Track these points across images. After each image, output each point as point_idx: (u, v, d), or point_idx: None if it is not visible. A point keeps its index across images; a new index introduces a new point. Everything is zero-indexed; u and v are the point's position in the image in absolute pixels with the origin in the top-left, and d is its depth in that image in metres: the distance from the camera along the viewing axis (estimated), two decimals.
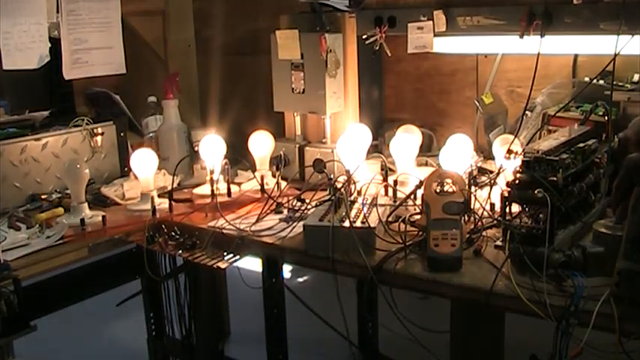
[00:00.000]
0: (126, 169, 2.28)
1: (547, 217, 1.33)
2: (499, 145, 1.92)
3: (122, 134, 2.33)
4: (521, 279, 1.31)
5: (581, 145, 1.52)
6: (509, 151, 1.56)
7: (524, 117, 2.08)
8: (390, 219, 1.69)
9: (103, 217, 1.88)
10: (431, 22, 2.04)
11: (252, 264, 2.19)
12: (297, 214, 1.79)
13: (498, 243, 1.54)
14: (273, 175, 2.06)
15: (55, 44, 2.11)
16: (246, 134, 2.11)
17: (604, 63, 1.67)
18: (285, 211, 1.84)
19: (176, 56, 2.91)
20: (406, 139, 1.93)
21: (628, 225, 1.23)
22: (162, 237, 1.86)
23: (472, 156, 1.96)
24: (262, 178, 2.03)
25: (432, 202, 1.54)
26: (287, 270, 3.53)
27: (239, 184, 2.10)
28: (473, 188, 1.73)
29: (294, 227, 1.74)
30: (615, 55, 1.61)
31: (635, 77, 2.01)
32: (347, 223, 1.56)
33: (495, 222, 1.64)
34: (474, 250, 1.52)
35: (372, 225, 1.57)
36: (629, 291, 1.19)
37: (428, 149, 2.37)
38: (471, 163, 1.84)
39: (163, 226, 1.89)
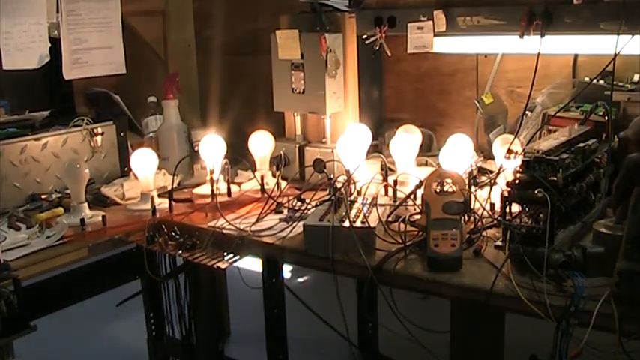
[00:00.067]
0: (126, 169, 2.28)
1: (547, 217, 1.33)
2: (499, 145, 1.92)
3: (122, 134, 2.33)
4: (521, 279, 1.31)
5: (581, 145, 1.52)
6: (509, 151, 1.56)
7: (524, 117, 2.08)
8: (390, 219, 1.69)
9: (103, 217, 1.88)
10: (431, 22, 2.04)
11: (252, 264, 2.19)
12: (297, 214, 1.79)
13: (498, 243, 1.54)
14: (273, 175, 2.06)
15: (55, 44, 2.11)
16: (246, 134, 2.11)
17: (604, 63, 1.67)
18: (285, 211, 1.84)
19: (176, 56, 2.91)
20: (406, 139, 1.93)
21: (628, 225, 1.23)
22: (162, 237, 1.86)
23: (472, 156, 1.96)
24: (262, 178, 2.03)
25: (432, 202, 1.54)
26: (287, 270, 3.53)
27: (239, 184, 2.10)
28: (473, 188, 1.73)
29: (294, 227, 1.74)
30: (615, 55, 1.61)
31: (635, 77, 2.01)
32: (347, 223, 1.56)
33: (495, 222, 1.64)
34: (474, 250, 1.52)
35: (372, 225, 1.57)
36: (629, 291, 1.19)
37: (428, 149, 2.37)
38: (471, 163, 1.84)
39: (163, 226, 1.89)
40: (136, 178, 2.05)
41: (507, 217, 1.46)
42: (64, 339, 3.09)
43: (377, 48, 2.13)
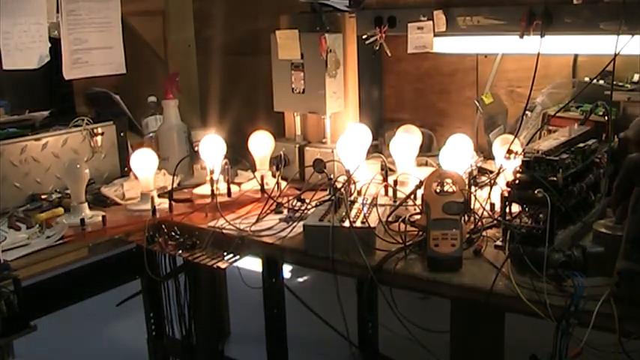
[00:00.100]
0: (126, 169, 2.28)
1: (547, 217, 1.33)
2: (499, 145, 1.92)
3: (122, 134, 2.33)
4: (521, 279, 1.31)
5: (581, 145, 1.52)
6: (510, 151, 1.56)
7: (524, 117, 2.08)
8: (390, 219, 1.69)
9: (103, 217, 1.88)
10: (431, 22, 2.04)
11: (252, 264, 2.19)
12: (297, 214, 1.79)
13: (498, 243, 1.54)
14: (273, 175, 2.06)
15: (55, 44, 2.11)
16: (246, 134, 2.11)
17: (604, 63, 1.67)
18: (285, 211, 1.84)
19: (176, 56, 2.91)
20: (406, 139, 1.93)
21: (628, 225, 1.23)
22: (162, 237, 1.86)
23: (472, 156, 1.96)
24: (262, 178, 2.03)
25: (432, 202, 1.54)
26: (287, 270, 3.53)
27: (239, 184, 2.10)
28: (473, 188, 1.73)
29: (294, 227, 1.74)
30: (615, 55, 1.61)
31: (635, 77, 2.01)
32: (347, 223, 1.56)
33: (495, 222, 1.64)
34: (474, 250, 1.52)
35: (372, 225, 1.57)
36: (629, 291, 1.19)
37: (428, 149, 2.37)
38: (471, 163, 1.84)
39: (163, 226, 1.89)
40: (136, 178, 2.05)
41: (507, 217, 1.46)
42: (64, 339, 3.09)
43: (377, 48, 2.13)
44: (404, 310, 1.56)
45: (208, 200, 1.97)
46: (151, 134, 2.47)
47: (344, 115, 2.22)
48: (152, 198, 1.93)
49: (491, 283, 1.34)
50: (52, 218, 1.89)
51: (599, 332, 1.18)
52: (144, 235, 1.85)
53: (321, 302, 2.60)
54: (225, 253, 1.76)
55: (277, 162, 2.15)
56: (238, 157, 2.08)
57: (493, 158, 1.98)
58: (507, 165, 1.68)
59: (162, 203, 1.96)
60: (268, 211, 1.86)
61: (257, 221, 1.81)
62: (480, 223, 1.62)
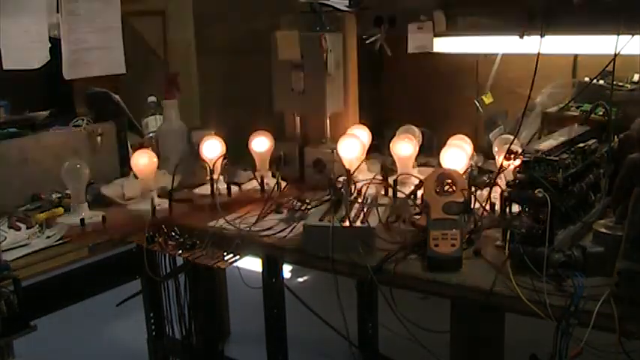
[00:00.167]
0: (126, 169, 2.28)
1: (547, 217, 1.33)
2: (499, 145, 1.92)
3: (122, 134, 2.32)
4: (521, 279, 1.31)
5: (581, 145, 1.52)
6: (510, 152, 1.56)
7: (524, 117, 2.07)
8: (390, 219, 1.69)
9: (103, 217, 1.88)
10: (431, 22, 2.04)
11: (252, 264, 2.19)
12: (297, 214, 1.79)
13: (498, 243, 1.54)
14: (273, 175, 2.06)
15: (55, 44, 2.11)
16: (246, 134, 2.11)
17: (604, 63, 1.67)
18: (285, 211, 1.84)
19: (176, 56, 2.90)
20: (406, 139, 1.93)
21: (628, 225, 1.23)
22: (162, 237, 1.86)
23: (472, 156, 1.96)
24: (262, 178, 2.03)
25: (432, 202, 1.54)
26: (287, 270, 3.53)
27: (239, 184, 2.10)
28: (473, 188, 1.73)
29: (294, 227, 1.74)
30: (615, 55, 1.61)
31: (635, 77, 2.01)
32: (347, 223, 1.56)
33: (495, 222, 1.64)
34: (474, 250, 1.52)
35: (372, 225, 1.57)
36: (629, 291, 1.19)
37: (428, 149, 2.37)
38: (471, 163, 1.84)
39: (163, 226, 1.89)
40: (136, 178, 2.05)
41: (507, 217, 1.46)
42: (64, 339, 3.09)
43: (377, 48, 2.13)
44: (404, 310, 1.56)
45: (208, 200, 1.97)
46: (151, 134, 2.47)
47: (344, 115, 2.22)
48: (152, 198, 1.93)
49: (492, 283, 1.34)
50: (52, 218, 1.89)
51: (599, 332, 1.18)
52: (144, 235, 1.85)
53: (321, 302, 2.59)
54: (225, 253, 1.76)
55: (277, 162, 2.15)
56: (238, 157, 2.08)
57: (493, 158, 1.98)
58: (507, 165, 1.68)
59: (163, 203, 1.96)
60: (268, 211, 1.86)
61: (257, 221, 1.81)
62: (480, 223, 1.62)
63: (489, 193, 1.70)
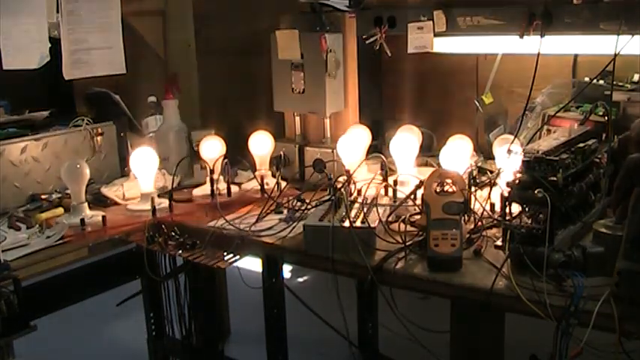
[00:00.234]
0: (126, 169, 2.28)
1: (547, 217, 1.33)
2: (499, 145, 1.92)
3: (122, 134, 2.33)
4: (521, 279, 1.31)
5: (581, 145, 1.52)
6: (510, 152, 1.56)
7: (524, 117, 2.07)
8: (390, 219, 1.69)
9: (103, 217, 1.88)
10: (431, 22, 2.04)
11: (252, 264, 2.19)
12: (297, 214, 1.79)
13: (498, 243, 1.54)
14: (273, 175, 2.06)
15: (55, 44, 2.11)
16: (246, 134, 2.11)
17: (604, 63, 1.67)
18: (285, 211, 1.84)
19: (176, 56, 2.90)
20: (406, 139, 1.93)
21: (628, 225, 1.23)
22: (162, 237, 1.86)
23: (472, 156, 1.96)
24: (262, 178, 2.03)
25: (432, 202, 1.54)
26: (287, 270, 3.53)
27: (239, 184, 2.10)
28: (473, 188, 1.73)
29: (294, 227, 1.74)
30: (615, 55, 1.61)
31: (635, 77, 2.01)
32: (347, 223, 1.56)
33: (495, 222, 1.64)
34: (474, 250, 1.52)
35: (372, 225, 1.57)
36: (629, 291, 1.19)
37: (428, 149, 2.37)
38: (471, 163, 1.84)
39: (163, 226, 1.89)
40: (136, 178, 2.05)
41: (507, 217, 1.46)
42: (64, 339, 3.09)
43: (377, 48, 2.13)
44: (404, 310, 1.56)
45: (208, 200, 1.97)
46: (151, 134, 2.47)
47: (344, 115, 2.22)
48: (152, 198, 1.93)
49: (492, 283, 1.34)
50: (52, 218, 1.89)
51: (599, 332, 1.18)
52: (144, 235, 1.85)
53: (321, 302, 2.59)
54: (225, 253, 1.76)
55: (277, 162, 2.15)
56: (238, 157, 2.08)
57: (493, 158, 1.98)
58: (507, 165, 1.68)
59: (163, 203, 1.96)
60: (268, 211, 1.86)
61: (257, 221, 1.81)
62: (480, 223, 1.62)
63: (489, 193, 1.70)
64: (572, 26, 1.81)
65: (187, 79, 2.89)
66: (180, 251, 1.81)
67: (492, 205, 1.70)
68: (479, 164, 1.95)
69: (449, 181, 1.59)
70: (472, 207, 1.65)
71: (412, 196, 1.72)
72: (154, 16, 2.87)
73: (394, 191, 1.86)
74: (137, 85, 2.70)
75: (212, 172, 2.01)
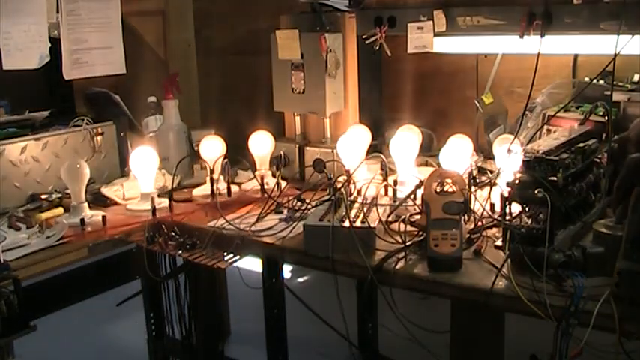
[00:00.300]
0: (126, 169, 2.28)
1: (547, 217, 1.33)
2: (499, 145, 1.92)
3: (122, 134, 2.33)
4: (521, 279, 1.31)
5: (581, 145, 1.52)
6: (510, 152, 1.56)
7: (524, 117, 2.07)
8: (390, 219, 1.69)
9: (103, 217, 1.88)
10: (431, 22, 2.04)
11: (252, 264, 2.19)
12: (297, 214, 1.79)
13: (498, 243, 1.54)
14: (273, 175, 2.06)
15: (55, 44, 2.11)
16: (246, 134, 2.11)
17: (604, 63, 1.67)
18: (285, 211, 1.84)
19: (176, 56, 2.91)
20: (406, 139, 1.93)
21: (628, 225, 1.23)
22: (162, 237, 1.86)
23: (472, 156, 1.96)
24: (262, 178, 2.03)
25: (432, 202, 1.54)
26: (287, 270, 3.53)
27: (239, 184, 2.10)
28: (473, 188, 1.73)
29: (294, 227, 1.74)
30: (615, 55, 1.61)
31: (635, 77, 2.01)
32: (347, 223, 1.56)
33: (495, 222, 1.64)
34: (474, 250, 1.52)
35: (372, 225, 1.57)
36: (629, 291, 1.19)
37: (428, 149, 2.37)
38: (471, 163, 1.84)
39: (163, 226, 1.89)
40: (136, 178, 2.04)
41: (507, 217, 1.46)
42: (64, 339, 3.09)
43: (377, 48, 2.13)
44: (404, 310, 1.56)
45: (208, 200, 1.97)
46: (151, 134, 2.47)
47: (344, 115, 2.22)
48: (152, 198, 1.93)
49: (491, 283, 1.34)
50: (52, 218, 1.89)
51: (599, 332, 1.18)
52: (144, 235, 1.85)
53: (321, 302, 2.60)
54: (225, 253, 1.76)
55: (277, 162, 2.15)
56: (238, 157, 2.08)
57: (493, 158, 1.98)
58: (507, 165, 1.68)
59: (163, 203, 1.96)
60: (268, 211, 1.86)
61: (257, 221, 1.81)
62: (480, 223, 1.62)
63: (489, 193, 1.70)
64: (572, 26, 1.81)
65: (187, 79, 2.89)
66: (180, 251, 1.80)
67: (492, 205, 1.70)
68: (479, 164, 1.95)
69: (449, 181, 1.59)
70: (472, 207, 1.65)
71: (412, 196, 1.72)
72: (154, 16, 2.88)
73: (394, 191, 1.86)
74: (137, 85, 2.70)
75: (212, 172, 2.01)
